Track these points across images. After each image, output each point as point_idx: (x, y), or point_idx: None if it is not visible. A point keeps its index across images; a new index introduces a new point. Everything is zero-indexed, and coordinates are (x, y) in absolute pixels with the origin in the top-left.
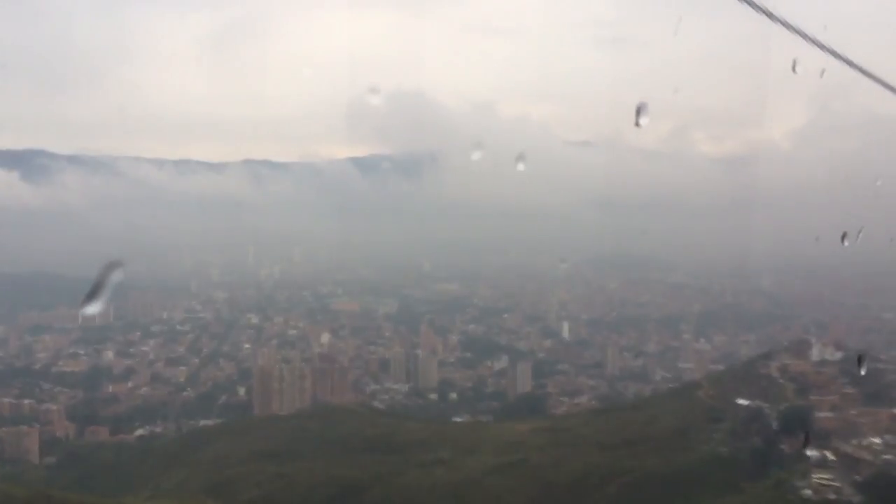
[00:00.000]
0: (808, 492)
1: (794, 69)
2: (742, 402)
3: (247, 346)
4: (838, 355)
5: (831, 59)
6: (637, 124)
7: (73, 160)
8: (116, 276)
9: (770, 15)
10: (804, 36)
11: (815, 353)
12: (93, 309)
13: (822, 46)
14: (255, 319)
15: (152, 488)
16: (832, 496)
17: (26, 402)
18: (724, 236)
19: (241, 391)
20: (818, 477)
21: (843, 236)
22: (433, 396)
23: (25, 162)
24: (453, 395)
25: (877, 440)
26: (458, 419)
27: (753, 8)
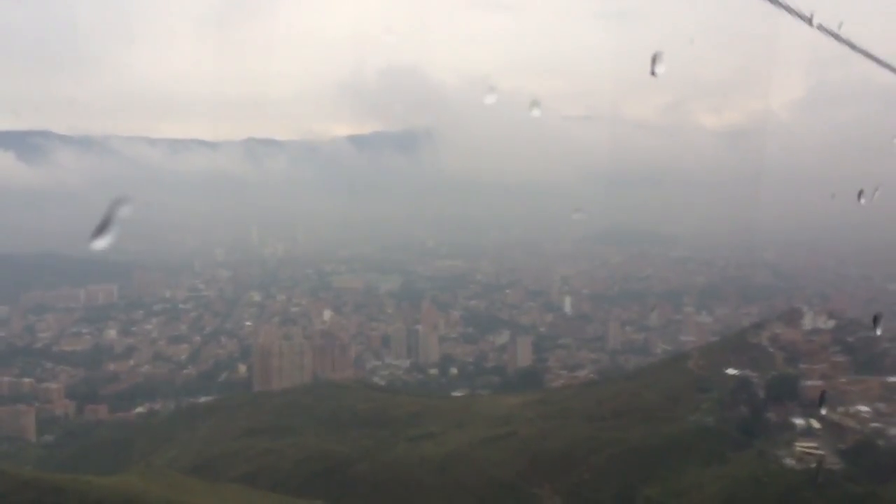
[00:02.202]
0: (790, 461)
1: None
2: (731, 371)
3: (248, 323)
4: (831, 324)
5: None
6: (653, 73)
7: (74, 141)
8: (124, 211)
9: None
10: (803, 18)
11: (807, 322)
12: (102, 243)
13: (823, 29)
14: (257, 297)
15: (144, 465)
16: (815, 464)
17: (26, 380)
18: (726, 209)
19: (242, 368)
20: (802, 445)
21: (860, 194)
22: (433, 372)
23: (23, 142)
24: (453, 371)
25: (865, 408)
26: (456, 394)
27: None
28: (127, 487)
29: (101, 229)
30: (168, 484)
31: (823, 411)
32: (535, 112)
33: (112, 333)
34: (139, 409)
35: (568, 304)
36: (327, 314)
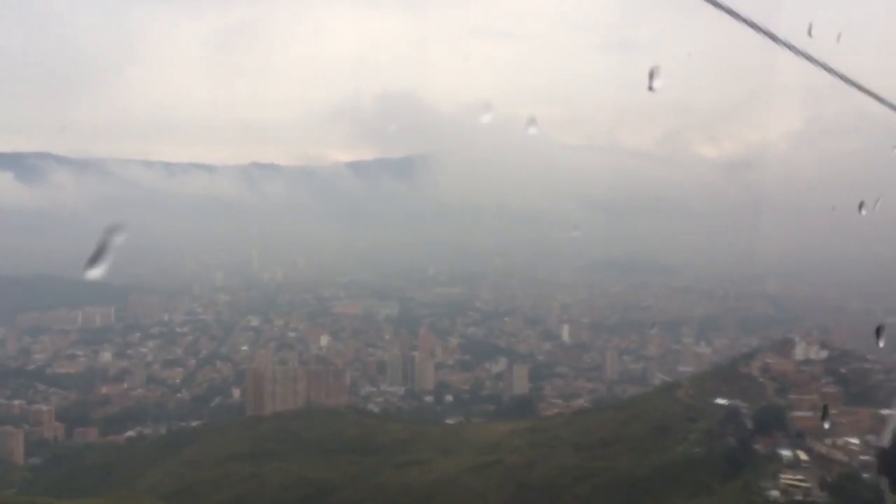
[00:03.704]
0: (775, 493)
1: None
2: (720, 401)
3: (245, 348)
4: (823, 354)
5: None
6: (650, 88)
7: (72, 162)
8: (118, 240)
9: (774, 37)
10: (798, 52)
11: (799, 352)
12: (97, 272)
13: (816, 62)
14: (255, 322)
15: (128, 489)
16: (799, 497)
17: (16, 402)
18: (727, 239)
19: (236, 393)
20: (787, 478)
21: (861, 205)
22: (429, 399)
23: (21, 163)
24: (449, 398)
25: (854, 440)
26: (450, 421)
27: (753, 28)
28: None
29: (96, 257)
30: None
31: (826, 425)
32: (532, 130)
33: (107, 356)
34: (130, 433)
35: (566, 333)
36: (324, 340)
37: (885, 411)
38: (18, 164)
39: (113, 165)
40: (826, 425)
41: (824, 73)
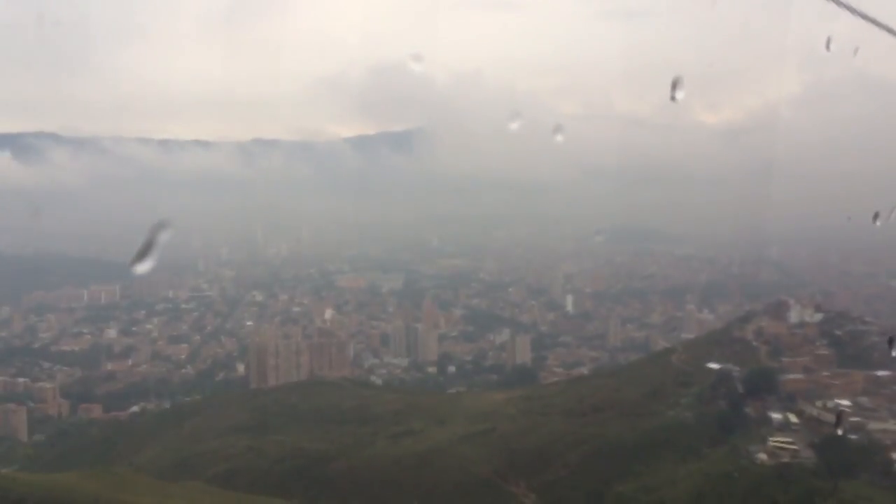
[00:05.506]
0: (763, 455)
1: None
2: (713, 366)
3: (250, 322)
4: (818, 317)
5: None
6: (673, 98)
7: (71, 141)
8: (165, 236)
9: None
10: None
11: (794, 316)
12: (143, 268)
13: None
14: (260, 297)
15: (127, 464)
16: (786, 459)
17: (21, 380)
18: (730, 206)
19: (240, 368)
20: (776, 440)
21: (875, 216)
22: (432, 370)
23: (18, 143)
24: (452, 369)
25: (845, 402)
26: (451, 392)
27: None
28: (55, 485)
29: (144, 252)
30: (114, 482)
31: (840, 431)
32: (559, 138)
33: (112, 333)
34: (134, 409)
35: (570, 303)
36: (328, 313)
37: (879, 373)
38: (16, 143)
39: (112, 143)
40: (840, 432)
41: (824, 37)
